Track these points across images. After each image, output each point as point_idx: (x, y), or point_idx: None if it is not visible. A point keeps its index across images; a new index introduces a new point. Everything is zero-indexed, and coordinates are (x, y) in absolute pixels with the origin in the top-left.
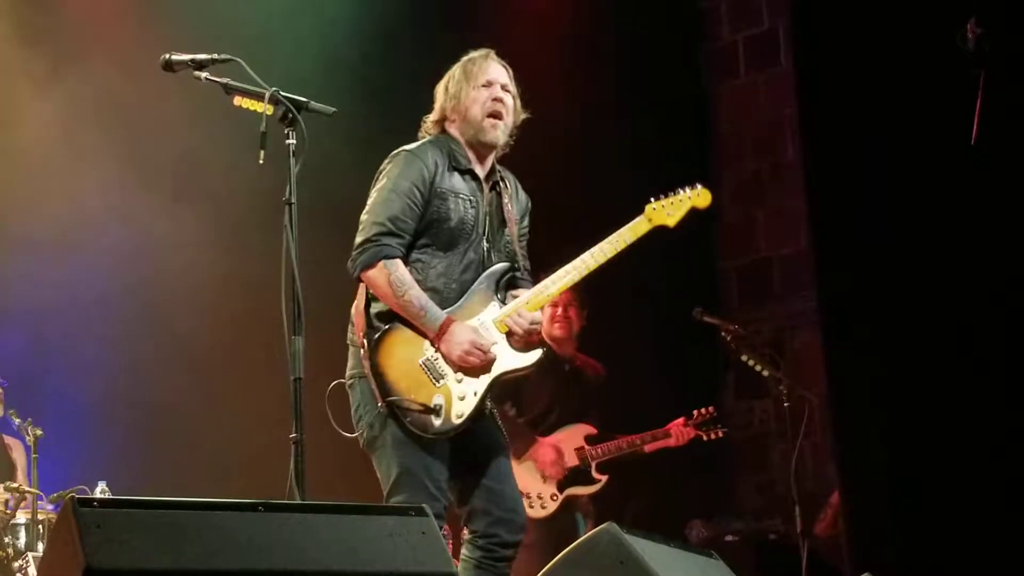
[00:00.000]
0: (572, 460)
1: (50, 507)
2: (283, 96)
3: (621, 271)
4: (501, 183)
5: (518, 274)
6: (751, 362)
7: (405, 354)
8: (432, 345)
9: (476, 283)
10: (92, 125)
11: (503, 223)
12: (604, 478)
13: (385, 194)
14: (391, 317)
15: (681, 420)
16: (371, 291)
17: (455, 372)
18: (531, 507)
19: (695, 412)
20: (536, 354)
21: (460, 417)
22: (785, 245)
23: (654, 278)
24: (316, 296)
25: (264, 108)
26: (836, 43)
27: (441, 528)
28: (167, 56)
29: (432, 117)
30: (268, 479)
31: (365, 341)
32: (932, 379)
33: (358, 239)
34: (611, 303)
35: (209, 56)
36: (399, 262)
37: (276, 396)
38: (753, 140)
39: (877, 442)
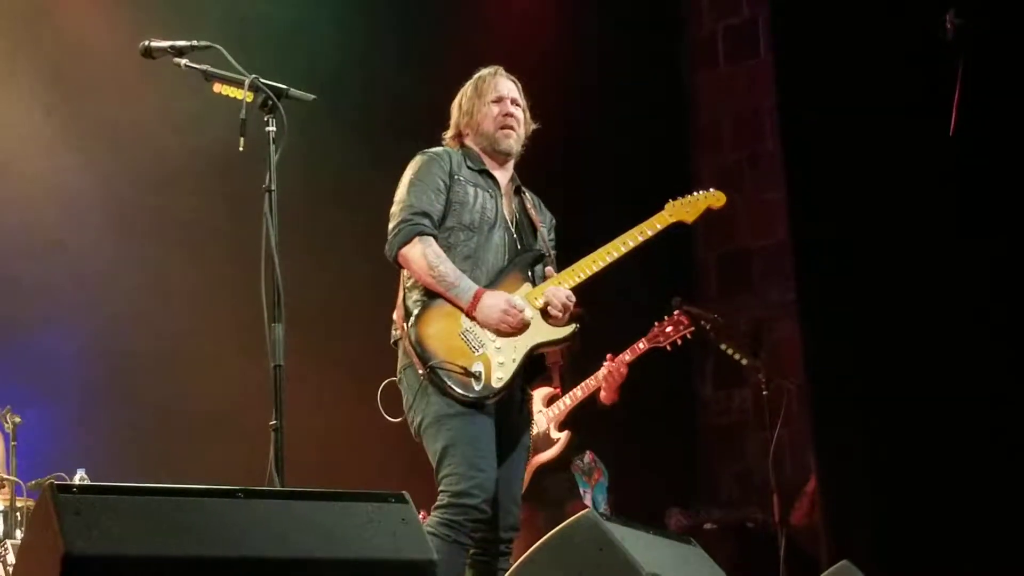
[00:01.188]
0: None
1: (28, 494)
2: (263, 83)
3: None
4: (524, 194)
5: (549, 267)
6: (730, 351)
7: (444, 325)
8: (467, 316)
9: (509, 265)
10: (67, 113)
11: (531, 226)
12: (563, 435)
13: (410, 186)
14: (428, 299)
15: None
16: (407, 272)
17: (493, 340)
18: None
19: (656, 323)
20: (570, 328)
21: (500, 381)
22: (764, 235)
23: (633, 267)
24: (295, 283)
25: (244, 95)
26: (815, 34)
27: (487, 503)
28: (146, 43)
29: (448, 133)
30: (248, 466)
31: (405, 323)
32: (909, 368)
33: (391, 225)
34: (589, 292)
35: (189, 43)
36: (432, 239)
37: (256, 383)
38: (732, 130)
39: (854, 431)
